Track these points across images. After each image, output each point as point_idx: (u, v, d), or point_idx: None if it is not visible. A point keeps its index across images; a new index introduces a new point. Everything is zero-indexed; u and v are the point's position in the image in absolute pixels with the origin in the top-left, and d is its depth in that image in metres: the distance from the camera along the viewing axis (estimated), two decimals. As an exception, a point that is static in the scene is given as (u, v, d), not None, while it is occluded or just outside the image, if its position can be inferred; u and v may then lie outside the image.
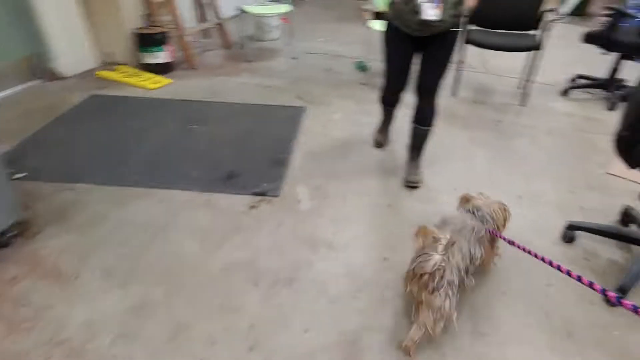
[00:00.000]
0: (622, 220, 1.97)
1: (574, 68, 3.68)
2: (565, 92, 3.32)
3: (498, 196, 1.65)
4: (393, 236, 1.86)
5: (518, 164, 2.44)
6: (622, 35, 2.98)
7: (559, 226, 1.90)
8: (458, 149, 2.57)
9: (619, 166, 1.88)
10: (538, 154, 2.56)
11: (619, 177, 2.32)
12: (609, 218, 2.01)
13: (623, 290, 1.57)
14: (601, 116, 3.03)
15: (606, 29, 2.99)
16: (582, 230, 1.85)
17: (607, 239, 1.84)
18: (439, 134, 2.48)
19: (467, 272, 1.34)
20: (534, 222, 1.96)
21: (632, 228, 1.91)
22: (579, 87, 3.34)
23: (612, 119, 2.86)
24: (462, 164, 2.42)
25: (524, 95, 3.18)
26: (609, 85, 3.23)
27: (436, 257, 1.24)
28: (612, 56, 3.17)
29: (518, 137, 2.73)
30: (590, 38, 3.12)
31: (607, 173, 2.37)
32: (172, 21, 3.52)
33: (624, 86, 3.22)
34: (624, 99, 3.02)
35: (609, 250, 1.81)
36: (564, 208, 2.07)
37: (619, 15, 2.93)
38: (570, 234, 1.85)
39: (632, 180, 2.27)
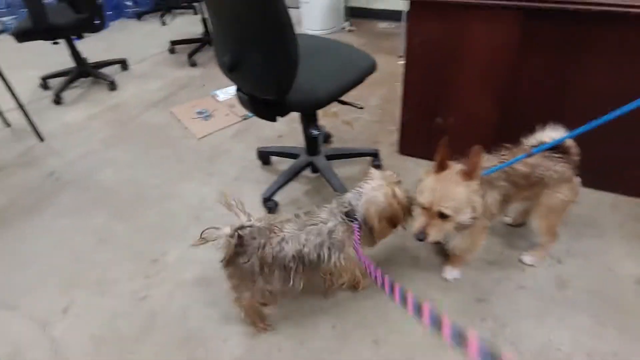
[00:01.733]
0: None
1: (31, 75, 3.08)
2: (57, 101, 2.76)
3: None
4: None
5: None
6: (56, 17, 2.60)
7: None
8: None
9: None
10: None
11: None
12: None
13: (266, 199, 1.78)
14: (114, 98, 2.85)
15: (33, 19, 2.50)
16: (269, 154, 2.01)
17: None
18: None
19: (289, 271, 1.18)
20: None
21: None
22: (62, 89, 2.82)
23: (125, 94, 2.87)
24: None
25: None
26: (85, 69, 2.95)
27: (225, 230, 1.13)
28: (63, 42, 2.81)
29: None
30: (23, 35, 2.55)
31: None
32: None
33: (99, 63, 3.03)
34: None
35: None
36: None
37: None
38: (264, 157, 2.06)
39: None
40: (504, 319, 1.34)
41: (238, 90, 1.51)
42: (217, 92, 2.75)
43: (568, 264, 1.50)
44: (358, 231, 1.18)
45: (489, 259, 1.54)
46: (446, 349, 1.27)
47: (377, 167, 1.98)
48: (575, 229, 1.61)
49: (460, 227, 1.20)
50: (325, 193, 1.88)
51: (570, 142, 1.27)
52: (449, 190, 1.10)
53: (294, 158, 1.90)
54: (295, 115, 2.40)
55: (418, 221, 1.15)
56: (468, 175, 1.10)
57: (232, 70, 1.37)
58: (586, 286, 1.42)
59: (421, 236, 1.13)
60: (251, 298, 1.24)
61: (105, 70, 3.07)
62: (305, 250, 1.17)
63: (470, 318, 1.35)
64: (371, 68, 1.56)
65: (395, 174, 1.26)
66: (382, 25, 3.68)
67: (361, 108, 1.83)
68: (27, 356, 1.35)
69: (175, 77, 3.04)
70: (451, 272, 1.47)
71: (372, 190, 1.19)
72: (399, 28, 3.34)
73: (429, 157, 1.98)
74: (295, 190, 1.91)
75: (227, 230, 1.12)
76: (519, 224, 1.65)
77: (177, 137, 2.36)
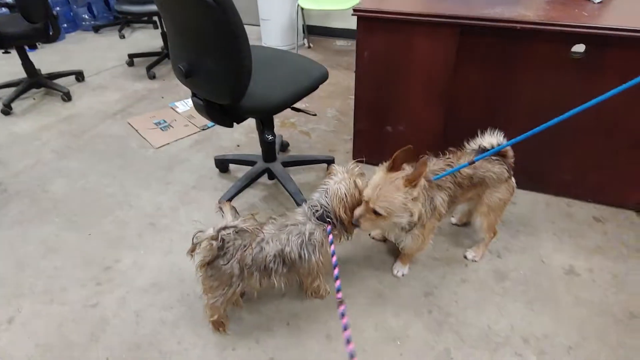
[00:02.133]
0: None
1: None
2: (6, 112, 2.68)
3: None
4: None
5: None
6: (8, 26, 2.55)
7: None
8: None
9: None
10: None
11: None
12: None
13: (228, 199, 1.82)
14: (68, 109, 2.82)
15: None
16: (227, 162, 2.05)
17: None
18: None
19: (270, 271, 1.21)
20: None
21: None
22: (11, 100, 2.74)
23: (80, 105, 2.86)
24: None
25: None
26: (37, 80, 2.90)
27: (209, 232, 1.11)
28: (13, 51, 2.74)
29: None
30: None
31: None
32: None
33: (52, 74, 2.98)
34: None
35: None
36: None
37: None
38: (222, 165, 2.10)
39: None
40: (448, 310, 1.43)
41: (194, 96, 1.55)
42: (177, 103, 2.76)
43: (506, 258, 1.62)
44: (330, 232, 1.22)
45: (435, 255, 1.63)
46: (395, 342, 1.33)
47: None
48: (513, 227, 1.74)
49: (401, 227, 1.27)
50: (282, 199, 1.93)
51: (506, 148, 1.40)
52: (388, 192, 1.16)
53: (251, 165, 1.95)
54: (253, 126, 2.46)
55: (359, 209, 1.22)
56: (410, 182, 1.16)
57: (187, 77, 1.41)
58: (522, 278, 1.54)
59: (356, 222, 1.22)
60: (225, 302, 1.24)
61: (60, 82, 3.01)
62: (287, 249, 1.20)
63: (418, 310, 1.43)
64: (323, 77, 1.65)
65: (358, 167, 1.30)
66: (339, 42, 3.84)
67: (314, 115, 1.92)
68: (-33, 369, 1.29)
69: (134, 90, 3.02)
70: (400, 269, 1.55)
71: (335, 184, 1.24)
72: (355, 45, 3.50)
73: (379, 163, 2.10)
74: (252, 196, 1.95)
75: (210, 231, 1.12)
76: (464, 224, 1.76)
77: (134, 148, 2.35)
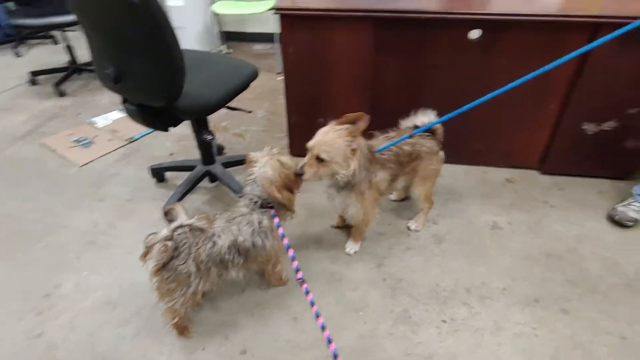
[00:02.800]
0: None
1: None
2: None
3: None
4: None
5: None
6: None
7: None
8: None
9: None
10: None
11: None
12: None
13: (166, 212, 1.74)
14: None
15: None
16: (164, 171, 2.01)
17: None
18: None
19: (226, 263, 1.22)
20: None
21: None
22: None
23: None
24: None
25: None
26: None
27: (163, 232, 1.11)
28: None
29: None
30: None
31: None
32: None
33: None
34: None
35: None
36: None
37: None
38: (158, 174, 2.03)
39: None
40: (399, 276, 1.55)
41: (125, 102, 1.51)
42: (95, 119, 2.60)
43: (440, 224, 1.79)
44: (274, 215, 1.27)
45: (380, 230, 1.76)
46: (357, 313, 1.42)
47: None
48: (442, 197, 1.93)
49: (339, 185, 1.39)
50: (227, 199, 1.93)
51: (437, 126, 1.57)
52: (331, 139, 1.29)
53: (190, 170, 1.92)
54: (185, 133, 2.42)
55: (303, 160, 1.32)
56: (351, 134, 1.29)
57: (117, 82, 1.37)
58: (456, 238, 1.72)
59: (300, 171, 1.30)
60: (184, 303, 1.22)
61: (-52, 108, 2.67)
62: (240, 239, 1.21)
63: (373, 281, 1.54)
64: (254, 74, 1.69)
65: (275, 148, 1.33)
66: (257, 47, 3.88)
67: (249, 112, 1.95)
68: None
69: (43, 109, 2.78)
70: (352, 247, 1.65)
71: (260, 169, 1.26)
72: (274, 49, 3.58)
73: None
74: (195, 201, 1.92)
75: (164, 232, 1.10)
76: (403, 199, 1.92)
77: (54, 168, 2.18)
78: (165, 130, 1.57)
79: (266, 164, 1.27)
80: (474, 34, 1.77)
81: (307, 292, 1.09)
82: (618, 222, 1.76)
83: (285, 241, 1.18)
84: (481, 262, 1.61)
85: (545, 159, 2.05)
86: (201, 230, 1.17)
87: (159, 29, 1.23)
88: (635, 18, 1.25)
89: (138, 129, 2.48)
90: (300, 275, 1.13)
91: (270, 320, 1.40)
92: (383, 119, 1.74)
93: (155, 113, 1.50)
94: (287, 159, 1.31)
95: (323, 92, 1.99)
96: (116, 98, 2.89)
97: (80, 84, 3.15)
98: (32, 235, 1.75)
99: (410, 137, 1.46)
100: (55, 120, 2.64)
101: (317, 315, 1.03)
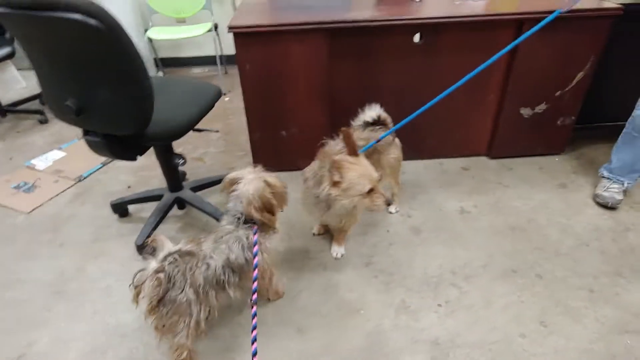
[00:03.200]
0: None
1: None
2: None
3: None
4: None
5: None
6: None
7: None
8: None
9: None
10: None
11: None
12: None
13: (141, 247, 1.69)
14: None
15: None
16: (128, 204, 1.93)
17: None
18: None
19: (222, 284, 1.19)
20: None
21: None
22: None
23: None
24: None
25: None
26: None
27: (152, 265, 1.06)
28: None
29: None
30: None
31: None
32: None
33: None
34: None
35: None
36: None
37: None
38: (121, 208, 1.94)
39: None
40: (389, 270, 1.61)
41: (87, 134, 1.42)
42: (34, 161, 2.39)
43: (415, 216, 1.89)
44: (256, 232, 1.25)
45: (360, 231, 1.81)
46: (359, 312, 1.45)
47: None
48: (409, 190, 2.04)
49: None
50: (200, 225, 1.87)
51: (385, 116, 1.65)
52: (370, 167, 1.34)
53: (158, 200, 1.84)
54: (140, 165, 2.31)
55: (378, 197, 1.34)
56: (355, 154, 1.34)
57: (79, 114, 1.29)
58: (431, 227, 1.83)
59: (390, 201, 1.38)
60: (189, 335, 1.16)
61: None
62: (232, 256, 1.18)
63: (366, 279, 1.58)
64: (218, 94, 1.68)
65: (260, 166, 1.30)
66: (196, 70, 3.82)
67: (217, 132, 1.92)
68: None
69: (-35, 159, 2.50)
70: (338, 250, 1.68)
71: (244, 186, 1.22)
72: (215, 70, 3.55)
73: (284, 168, 2.20)
74: (167, 230, 1.84)
75: (153, 264, 1.04)
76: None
77: (-4, 220, 1.97)
78: (134, 159, 1.51)
79: (250, 182, 1.23)
80: (417, 37, 1.92)
81: (253, 316, 1.08)
82: (612, 207, 1.89)
83: (256, 260, 1.17)
84: (459, 244, 1.73)
85: (492, 145, 2.25)
86: (191, 254, 1.13)
87: (126, 55, 1.19)
88: (549, 12, 1.46)
89: (85, 166, 2.32)
90: (254, 297, 1.13)
91: (275, 336, 1.38)
92: (342, 124, 1.82)
93: (120, 143, 1.43)
94: (274, 179, 1.28)
95: (283, 106, 2.02)
96: (54, 137, 2.69)
97: (6, 126, 2.87)
98: (-15, 295, 1.56)
99: (378, 142, 1.53)
100: (-15, 169, 2.39)
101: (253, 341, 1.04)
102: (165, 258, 1.07)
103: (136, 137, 1.41)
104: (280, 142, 2.13)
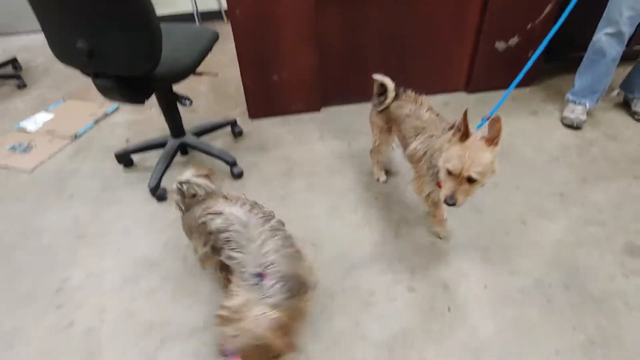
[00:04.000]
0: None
1: None
2: None
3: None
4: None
5: None
6: None
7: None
8: None
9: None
10: None
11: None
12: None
13: (154, 189, 1.76)
14: None
15: None
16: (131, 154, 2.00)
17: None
18: None
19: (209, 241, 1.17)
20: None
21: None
22: None
23: None
24: None
25: None
26: None
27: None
28: None
29: None
30: None
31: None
32: None
33: None
34: None
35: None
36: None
37: None
38: (125, 158, 2.00)
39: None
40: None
41: (97, 77, 1.46)
42: (23, 123, 2.38)
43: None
44: None
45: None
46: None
47: (239, 133, 2.17)
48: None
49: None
50: (205, 167, 1.96)
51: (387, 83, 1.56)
52: (477, 156, 1.14)
53: (162, 147, 1.91)
54: (134, 119, 2.35)
55: (446, 187, 1.19)
56: (491, 141, 1.16)
57: (91, 56, 1.34)
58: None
59: (451, 201, 1.18)
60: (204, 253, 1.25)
61: None
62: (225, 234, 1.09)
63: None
64: (215, 36, 1.74)
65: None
66: (170, 29, 3.75)
67: (216, 75, 1.98)
68: None
69: (-52, 126, 2.45)
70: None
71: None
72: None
73: (278, 112, 2.30)
74: (174, 176, 1.91)
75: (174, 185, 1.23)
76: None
77: (0, 179, 1.99)
78: (142, 102, 1.57)
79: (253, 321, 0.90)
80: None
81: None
82: (577, 127, 2.09)
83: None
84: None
85: (469, 81, 2.41)
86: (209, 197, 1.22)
87: (136, -5, 1.24)
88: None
89: (77, 125, 2.34)
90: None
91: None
92: (330, 68, 1.92)
93: (131, 86, 1.49)
94: (265, 330, 0.88)
95: (273, 50, 2.09)
96: (36, 101, 2.66)
97: (-18, 93, 2.80)
98: (6, 246, 1.63)
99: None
100: (-29, 134, 2.36)
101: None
102: (183, 182, 1.24)
103: (145, 79, 1.47)
104: (273, 86, 2.21)
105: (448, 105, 2.37)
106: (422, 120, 1.43)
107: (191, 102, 1.73)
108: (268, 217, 1.15)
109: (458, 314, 1.32)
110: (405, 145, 1.50)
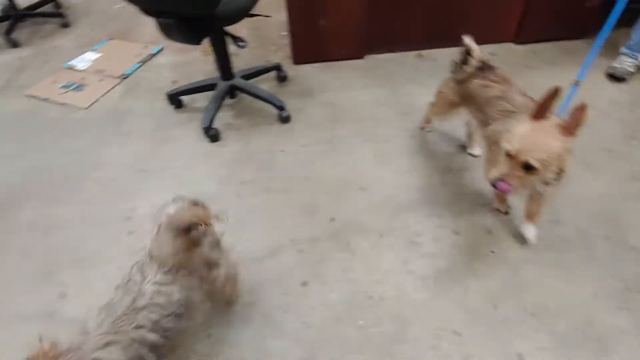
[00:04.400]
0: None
1: None
2: None
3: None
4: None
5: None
6: None
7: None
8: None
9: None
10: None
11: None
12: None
13: (207, 129, 1.83)
14: None
15: None
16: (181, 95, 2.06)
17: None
18: None
19: None
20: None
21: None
22: None
23: None
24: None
25: None
26: None
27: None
28: None
29: None
30: None
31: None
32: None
33: None
34: None
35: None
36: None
37: None
38: (176, 99, 2.06)
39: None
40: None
41: (160, 16, 1.49)
42: (72, 62, 2.44)
43: (450, 97, 2.05)
44: None
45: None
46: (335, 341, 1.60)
47: (284, 78, 2.19)
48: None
49: (542, 184, 1.10)
50: (254, 111, 2.02)
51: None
52: (543, 141, 0.98)
53: (211, 89, 1.96)
54: (179, 62, 2.38)
55: (498, 168, 1.03)
56: (568, 130, 0.99)
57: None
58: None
59: (501, 184, 1.01)
60: None
61: None
62: None
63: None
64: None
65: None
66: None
67: (269, 17, 1.98)
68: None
69: (2, 62, 2.53)
70: (532, 231, 1.39)
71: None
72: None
73: (322, 59, 2.29)
74: (224, 117, 1.99)
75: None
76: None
77: (58, 116, 2.09)
78: (199, 43, 1.60)
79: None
80: None
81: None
82: (620, 77, 2.05)
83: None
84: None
85: (519, 31, 2.34)
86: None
87: None
88: None
89: (124, 65, 2.39)
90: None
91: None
92: (378, 18, 1.87)
93: (190, 26, 1.52)
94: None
95: (322, -7, 2.05)
96: (81, 40, 2.70)
97: (28, 32, 2.84)
98: (73, 177, 1.75)
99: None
100: (25, 72, 2.44)
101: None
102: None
103: (204, 19, 1.49)
104: (318, 32, 2.19)
105: (495, 55, 2.32)
106: (514, 105, 1.25)
107: (245, 44, 1.75)
108: None
109: (501, 256, 1.40)
110: (484, 123, 1.36)
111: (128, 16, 2.86)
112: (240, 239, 1.46)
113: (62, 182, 1.74)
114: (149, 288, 0.90)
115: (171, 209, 0.97)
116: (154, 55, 2.48)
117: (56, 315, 1.30)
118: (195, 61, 2.41)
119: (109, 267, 1.41)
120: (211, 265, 1.05)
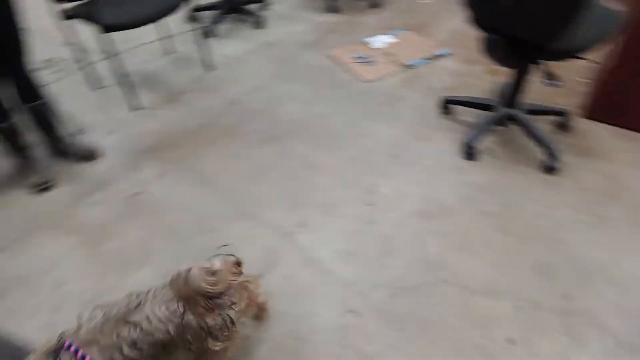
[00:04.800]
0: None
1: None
2: (208, 34, 2.80)
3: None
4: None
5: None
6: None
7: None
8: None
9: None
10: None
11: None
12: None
13: (468, 145, 1.84)
14: (264, 36, 2.93)
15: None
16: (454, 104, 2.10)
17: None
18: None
19: None
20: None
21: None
22: (215, 22, 2.90)
23: (274, 33, 2.94)
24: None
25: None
26: (233, 4, 3.03)
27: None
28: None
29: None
30: None
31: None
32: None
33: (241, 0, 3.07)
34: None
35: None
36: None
37: None
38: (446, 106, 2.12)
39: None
40: None
41: (489, 32, 1.53)
42: (369, 39, 2.76)
43: None
44: None
45: None
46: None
47: (565, 127, 1.98)
48: None
49: None
50: (517, 146, 1.92)
51: None
52: None
53: (488, 109, 1.93)
54: (464, 70, 2.42)
55: None
56: None
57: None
58: None
59: None
60: None
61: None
62: None
63: None
64: (621, 20, 1.55)
65: None
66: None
67: (597, 63, 1.83)
68: (283, 260, 1.49)
69: (319, 22, 3.05)
70: None
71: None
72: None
73: (621, 124, 1.97)
74: (484, 140, 1.95)
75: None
76: None
77: (344, 80, 2.42)
78: (513, 67, 1.58)
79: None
80: None
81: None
82: None
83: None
84: None
85: None
86: None
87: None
88: None
89: (412, 56, 2.56)
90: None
91: None
92: None
93: (515, 49, 1.50)
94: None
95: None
96: (383, 22, 3.00)
97: (347, 2, 3.33)
98: (342, 136, 2.02)
99: None
100: (332, 35, 2.88)
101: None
102: None
103: (535, 46, 1.45)
104: (634, 93, 1.89)
105: None
106: None
107: (562, 85, 1.65)
108: None
109: None
110: None
111: (429, 13, 3.04)
112: (458, 263, 1.45)
113: (334, 134, 2.03)
114: (147, 310, 0.93)
115: (195, 269, 0.91)
116: (439, 56, 2.59)
117: (293, 237, 1.56)
118: (477, 76, 2.40)
119: (342, 223, 1.60)
120: (212, 335, 1.00)
